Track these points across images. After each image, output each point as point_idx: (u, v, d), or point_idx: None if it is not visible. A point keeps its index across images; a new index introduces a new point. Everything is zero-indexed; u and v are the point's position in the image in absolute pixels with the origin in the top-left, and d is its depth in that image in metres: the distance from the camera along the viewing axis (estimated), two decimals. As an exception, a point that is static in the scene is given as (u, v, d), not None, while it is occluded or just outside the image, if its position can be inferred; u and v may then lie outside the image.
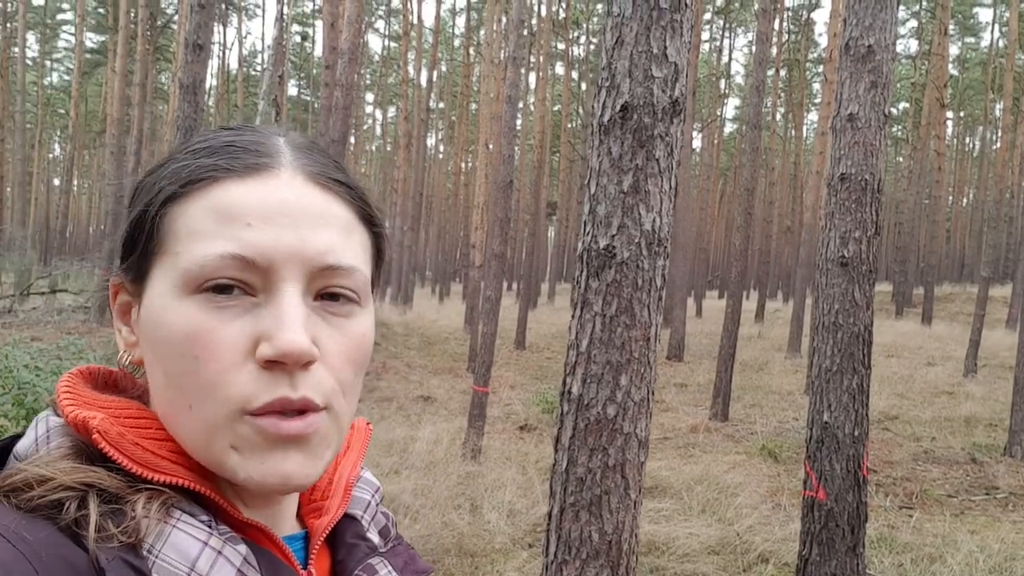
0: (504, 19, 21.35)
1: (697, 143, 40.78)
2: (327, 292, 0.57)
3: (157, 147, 41.56)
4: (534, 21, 26.71)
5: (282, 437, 0.54)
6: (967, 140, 51.12)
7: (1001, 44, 36.36)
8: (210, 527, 0.54)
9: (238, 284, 0.54)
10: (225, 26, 39.91)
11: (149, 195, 0.58)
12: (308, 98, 48.33)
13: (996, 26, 38.04)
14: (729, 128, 50.43)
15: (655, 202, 1.91)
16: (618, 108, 1.90)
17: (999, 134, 37.23)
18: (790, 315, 20.43)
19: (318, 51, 47.88)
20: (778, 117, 38.39)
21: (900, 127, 44.12)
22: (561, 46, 34.42)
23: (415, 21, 30.67)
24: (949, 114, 36.26)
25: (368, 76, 43.87)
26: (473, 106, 37.26)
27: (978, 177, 45.43)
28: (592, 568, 1.93)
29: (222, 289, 0.54)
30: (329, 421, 0.56)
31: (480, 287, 15.37)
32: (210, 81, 43.36)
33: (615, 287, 2.00)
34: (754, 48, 12.60)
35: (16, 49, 30.50)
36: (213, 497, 0.55)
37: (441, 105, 41.94)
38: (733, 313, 10.82)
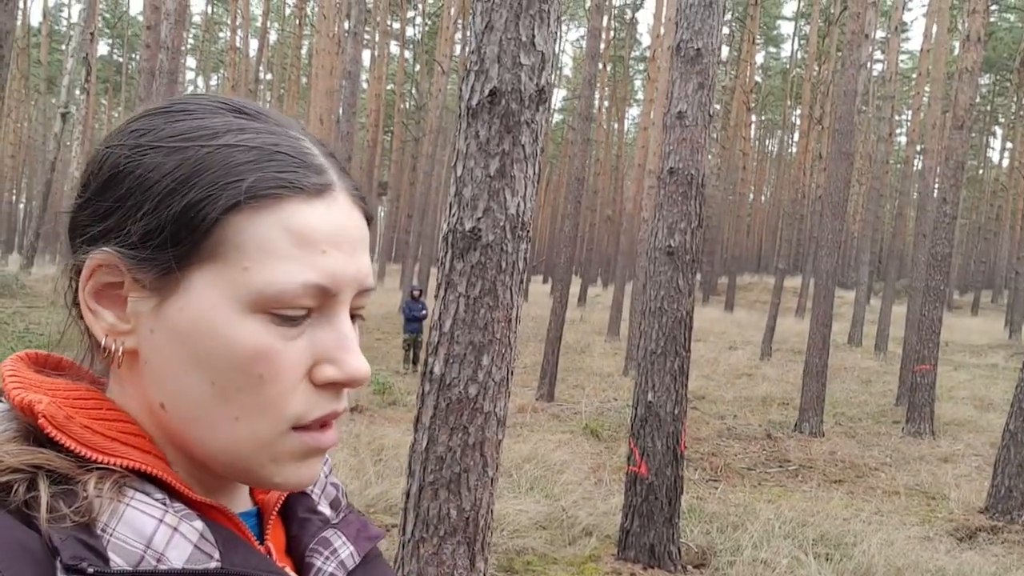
0: (338, -9, 20.74)
1: (526, 131, 41.60)
2: (354, 312, 0.60)
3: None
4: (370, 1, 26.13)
5: (321, 449, 0.57)
6: (767, 143, 55.68)
7: (800, 56, 39.80)
8: (165, 505, 0.53)
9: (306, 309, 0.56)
10: (23, -28, 35.87)
11: (189, 190, 0.54)
12: (120, 59, 44.59)
13: (796, 39, 41.62)
14: (556, 118, 51.92)
15: (520, 187, 1.96)
16: (487, 93, 1.93)
17: (795, 138, 40.80)
18: (610, 300, 21.42)
19: (135, 9, 44.29)
20: (603, 111, 39.98)
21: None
22: (396, 25, 33.93)
23: (241, -15, 29.08)
24: (753, 117, 39.31)
25: (190, 40, 41.16)
26: (303, 79, 35.94)
27: (776, 177, 49.63)
28: (449, 544, 1.96)
29: (292, 319, 0.55)
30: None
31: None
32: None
33: (479, 269, 2.03)
34: (585, 43, 13.04)
35: None
36: (166, 478, 0.55)
37: (269, 77, 40.14)
38: (561, 297, 11.21)
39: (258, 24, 29.07)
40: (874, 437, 10.49)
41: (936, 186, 15.55)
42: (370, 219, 0.64)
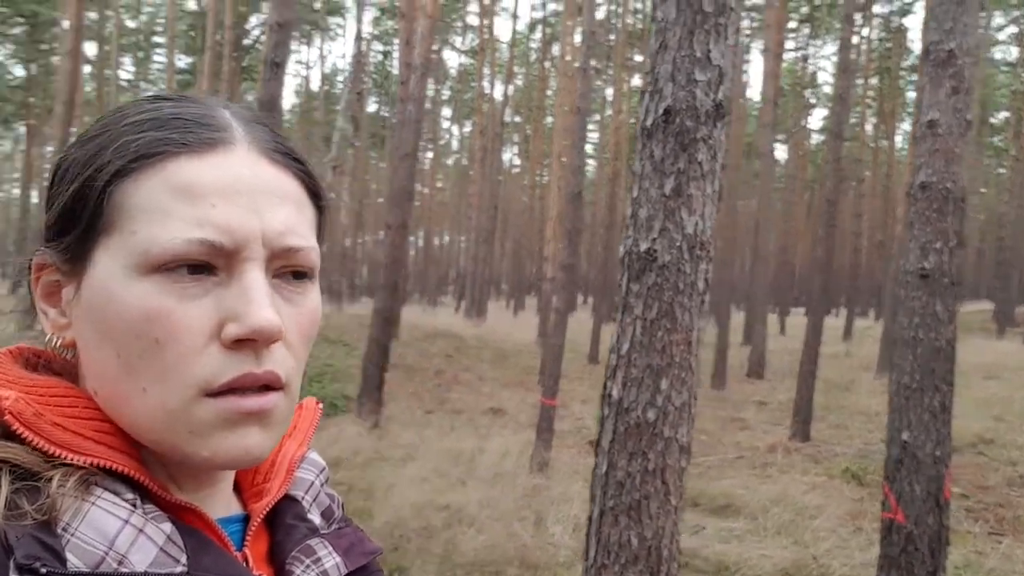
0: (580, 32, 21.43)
1: (782, 154, 39.86)
2: (285, 270, 0.56)
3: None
4: (612, 36, 26.69)
5: (242, 414, 0.53)
6: (1075, 150, 48.26)
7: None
8: (134, 506, 0.51)
9: (204, 264, 0.52)
10: (308, 46, 41.07)
11: (88, 169, 0.55)
12: (387, 114, 49.49)
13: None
14: (817, 139, 49.09)
15: (697, 205, 1.90)
16: (660, 112, 1.90)
17: (1110, 143, 35.02)
18: (880, 333, 19.66)
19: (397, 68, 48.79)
20: (868, 127, 37.13)
21: (1000, 137, 42.12)
22: (638, 58, 34.25)
23: (490, 36, 31.03)
24: (1053, 123, 34.26)
25: (447, 92, 44.43)
26: (548, 119, 37.34)
27: (1088, 189, 42.83)
28: (631, 573, 1.90)
29: (193, 269, 0.52)
30: (286, 400, 0.56)
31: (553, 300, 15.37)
32: (292, 99, 44.46)
33: (656, 290, 1.98)
34: (837, 57, 12.30)
35: (110, 71, 31.12)
36: (138, 477, 0.53)
37: (517, 119, 42.16)
38: (814, 328, 10.52)
39: (505, 71, 30.84)
40: None
41: None
42: (316, 193, 0.60)
